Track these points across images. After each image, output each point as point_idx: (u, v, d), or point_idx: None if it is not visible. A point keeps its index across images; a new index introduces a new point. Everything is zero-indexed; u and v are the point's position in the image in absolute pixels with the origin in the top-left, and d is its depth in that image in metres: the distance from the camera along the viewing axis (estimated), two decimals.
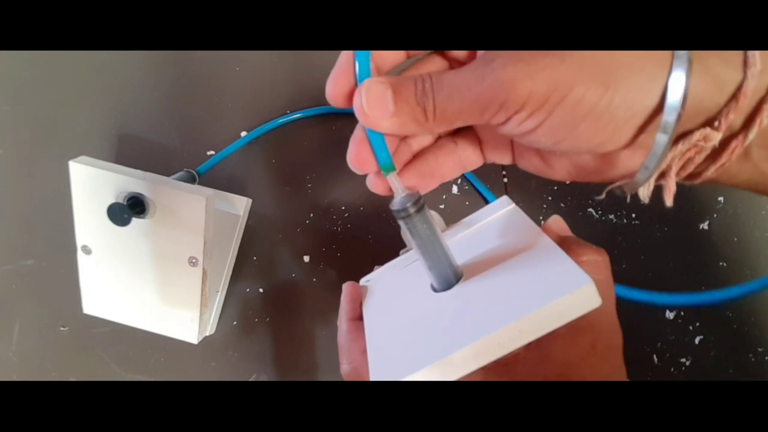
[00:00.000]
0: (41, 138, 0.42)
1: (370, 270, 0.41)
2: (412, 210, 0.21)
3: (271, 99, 0.43)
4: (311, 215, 0.42)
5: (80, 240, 0.34)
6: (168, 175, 0.36)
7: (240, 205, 0.40)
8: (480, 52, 0.19)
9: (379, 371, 0.21)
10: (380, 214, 0.41)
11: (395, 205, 0.21)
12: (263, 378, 0.40)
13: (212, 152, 0.42)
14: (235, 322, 0.41)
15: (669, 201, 0.19)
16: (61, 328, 0.41)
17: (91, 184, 0.32)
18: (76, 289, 0.36)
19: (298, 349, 0.40)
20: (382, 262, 0.41)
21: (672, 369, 0.40)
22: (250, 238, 0.41)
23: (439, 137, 0.23)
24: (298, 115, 0.42)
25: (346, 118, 0.43)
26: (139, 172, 0.32)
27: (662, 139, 0.17)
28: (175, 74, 0.43)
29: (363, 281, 0.29)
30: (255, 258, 0.41)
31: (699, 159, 0.18)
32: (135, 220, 0.32)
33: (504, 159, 0.24)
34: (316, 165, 0.42)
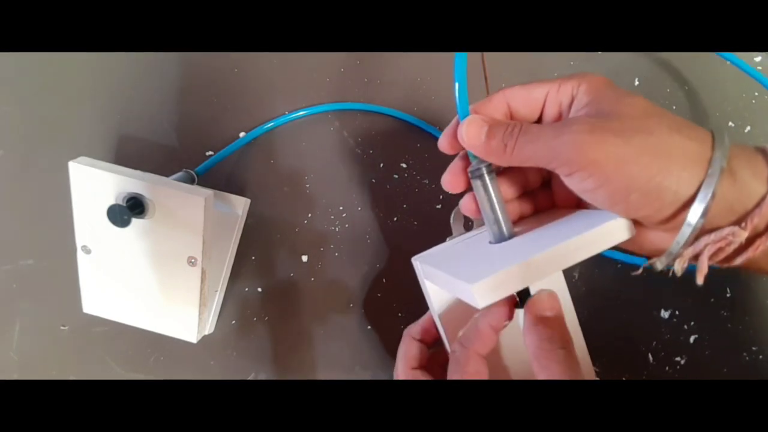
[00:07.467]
0: (41, 138, 0.42)
1: (368, 270, 0.41)
2: (485, 170, 0.26)
3: (270, 99, 0.43)
4: (309, 215, 0.42)
5: (80, 240, 0.34)
6: (167, 175, 0.36)
7: (239, 205, 0.40)
8: (565, 118, 0.24)
9: (468, 276, 0.23)
10: (378, 214, 0.42)
11: (473, 166, 0.26)
12: (262, 377, 0.41)
13: (211, 153, 0.42)
14: (233, 322, 0.41)
15: (700, 280, 0.23)
16: (61, 328, 0.41)
17: (91, 185, 0.32)
18: (76, 288, 0.36)
19: (297, 347, 0.41)
20: (380, 263, 0.41)
21: (667, 368, 0.40)
22: (249, 238, 0.41)
23: (523, 193, 0.29)
24: (296, 115, 0.42)
25: (344, 119, 0.43)
26: (138, 172, 0.32)
27: (687, 230, 0.21)
28: (175, 75, 0.43)
29: (415, 258, 0.32)
30: (254, 258, 0.41)
31: (729, 250, 0.22)
32: (134, 220, 0.32)
33: None
34: (315, 165, 0.42)
